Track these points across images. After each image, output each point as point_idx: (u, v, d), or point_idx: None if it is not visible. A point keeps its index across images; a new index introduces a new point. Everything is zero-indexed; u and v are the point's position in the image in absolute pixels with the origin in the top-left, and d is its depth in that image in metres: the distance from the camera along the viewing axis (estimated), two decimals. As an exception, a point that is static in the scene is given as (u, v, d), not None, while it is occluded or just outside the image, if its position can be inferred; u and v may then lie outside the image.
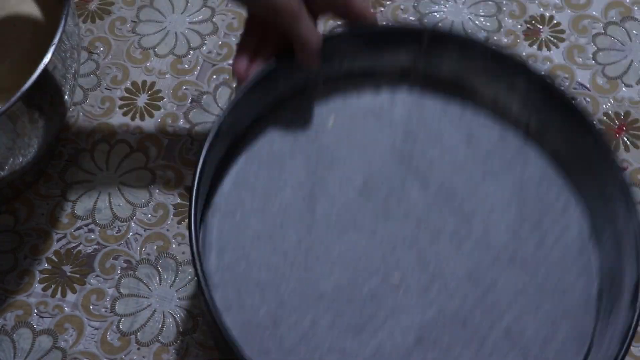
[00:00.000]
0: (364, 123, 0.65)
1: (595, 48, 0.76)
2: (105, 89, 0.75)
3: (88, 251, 0.67)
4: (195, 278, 0.54)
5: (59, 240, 0.68)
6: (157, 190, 0.70)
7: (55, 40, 0.57)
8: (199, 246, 0.53)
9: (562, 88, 0.61)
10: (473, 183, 0.63)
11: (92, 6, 0.79)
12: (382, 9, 0.79)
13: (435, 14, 0.78)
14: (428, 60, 0.65)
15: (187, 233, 0.68)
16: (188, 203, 0.54)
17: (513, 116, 0.66)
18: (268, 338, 0.56)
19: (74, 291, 0.66)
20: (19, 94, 0.54)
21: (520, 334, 0.58)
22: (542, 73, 0.62)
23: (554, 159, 0.64)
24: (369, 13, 0.61)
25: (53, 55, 0.56)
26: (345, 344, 0.57)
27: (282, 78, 0.63)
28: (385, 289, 0.59)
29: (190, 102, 0.74)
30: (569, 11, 0.78)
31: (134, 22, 0.78)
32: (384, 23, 0.65)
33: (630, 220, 0.57)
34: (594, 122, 0.60)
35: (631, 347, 0.63)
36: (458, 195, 0.63)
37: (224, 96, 0.74)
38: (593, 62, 0.76)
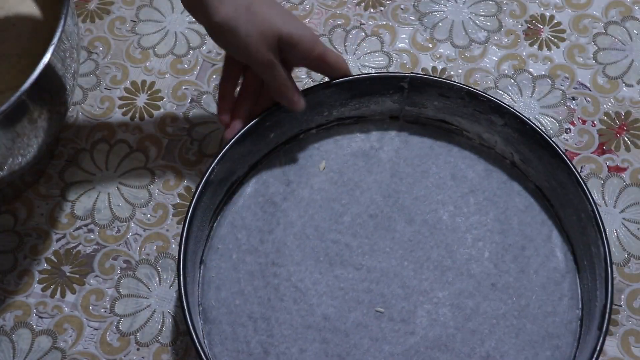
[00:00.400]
0: (353, 164, 0.69)
1: (596, 48, 0.76)
2: (105, 88, 0.75)
3: (87, 251, 0.67)
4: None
5: (58, 240, 0.68)
6: (157, 190, 0.70)
7: (55, 40, 0.57)
8: (191, 311, 0.58)
9: (532, 123, 0.65)
10: (457, 217, 0.67)
11: (92, 6, 0.79)
12: (383, 9, 0.79)
13: (436, 13, 0.78)
14: (413, 103, 0.69)
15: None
16: (177, 261, 0.59)
17: (498, 151, 0.69)
18: None
19: (73, 291, 0.66)
20: (18, 93, 0.54)
21: (500, 358, 0.61)
22: (514, 110, 0.65)
23: (537, 192, 0.68)
24: (342, 66, 0.65)
25: (52, 55, 0.56)
26: None
27: (273, 128, 0.67)
28: (370, 318, 0.63)
29: (190, 102, 0.74)
30: (570, 11, 0.78)
31: (134, 21, 0.78)
32: (365, 74, 0.68)
33: (600, 247, 0.60)
34: (565, 154, 0.63)
35: (631, 348, 0.63)
36: (442, 229, 0.66)
37: (224, 96, 0.74)
38: (593, 61, 0.76)
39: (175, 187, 0.70)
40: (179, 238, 0.68)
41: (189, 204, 0.60)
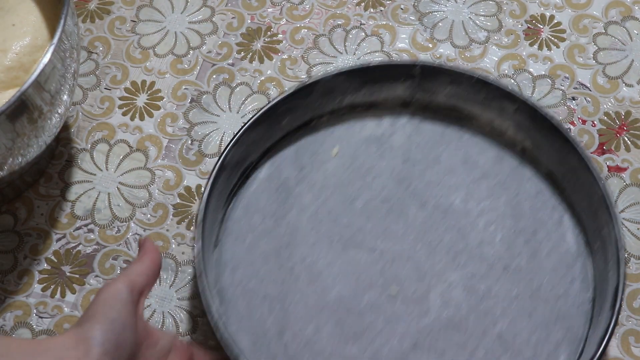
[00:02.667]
0: (366, 150, 0.70)
1: (596, 48, 0.76)
2: (105, 88, 0.75)
3: (87, 251, 0.67)
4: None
5: (58, 240, 0.68)
6: (157, 190, 0.70)
7: (55, 40, 0.57)
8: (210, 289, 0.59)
9: (544, 109, 0.65)
10: (469, 201, 0.67)
11: (92, 6, 0.79)
12: (383, 9, 0.79)
13: (436, 13, 0.78)
14: (424, 90, 0.70)
15: (187, 233, 0.68)
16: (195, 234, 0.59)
17: (509, 138, 0.69)
18: (274, 345, 0.61)
19: (73, 291, 0.66)
20: (18, 93, 0.54)
21: (513, 338, 0.61)
22: (525, 97, 0.66)
23: (548, 177, 0.68)
24: None
25: (52, 55, 0.56)
26: (346, 350, 0.61)
27: (286, 114, 0.68)
28: (384, 299, 0.63)
29: (190, 102, 0.74)
30: (570, 11, 0.78)
31: (134, 21, 0.78)
32: (376, 62, 0.69)
33: (612, 229, 0.60)
34: (576, 139, 0.64)
35: (631, 348, 0.63)
36: (454, 213, 0.67)
37: (224, 96, 0.74)
38: (594, 61, 0.76)
39: (175, 187, 0.70)
40: (179, 238, 0.68)
41: (204, 187, 0.61)
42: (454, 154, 0.69)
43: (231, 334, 0.60)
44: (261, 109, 0.66)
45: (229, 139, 0.65)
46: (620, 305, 0.57)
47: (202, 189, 0.62)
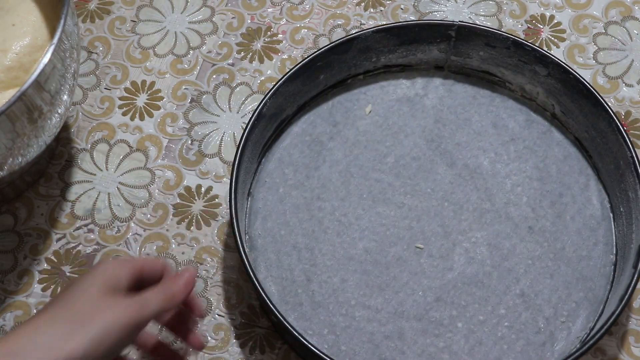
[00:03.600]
0: (398, 110, 0.72)
1: (596, 47, 0.76)
2: (105, 88, 0.75)
3: (87, 251, 0.67)
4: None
5: (58, 240, 0.68)
6: (157, 190, 0.70)
7: (55, 40, 0.57)
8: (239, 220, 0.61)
9: (577, 73, 0.66)
10: (497, 163, 0.69)
11: (92, 6, 0.79)
12: (383, 9, 0.79)
13: (436, 13, 0.78)
14: (458, 54, 0.71)
15: (187, 233, 0.68)
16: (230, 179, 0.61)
17: (539, 102, 0.71)
18: (302, 293, 0.64)
19: (73, 291, 0.66)
20: (18, 94, 0.54)
21: (535, 296, 0.63)
22: (558, 60, 0.67)
23: (577, 142, 0.70)
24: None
25: (52, 55, 0.56)
26: (370, 300, 0.63)
27: (323, 70, 0.69)
28: (410, 254, 0.65)
29: (190, 102, 0.74)
30: (570, 11, 0.78)
31: (134, 21, 0.78)
32: (414, 21, 0.71)
33: (638, 191, 0.61)
34: (607, 104, 0.65)
35: (631, 348, 0.63)
36: (482, 173, 0.68)
37: (224, 96, 0.74)
38: (594, 61, 0.76)
39: (175, 187, 0.70)
40: (179, 238, 0.68)
41: (241, 135, 0.63)
42: (485, 116, 0.71)
43: (260, 281, 0.62)
44: (299, 62, 0.67)
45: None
46: None
47: (239, 137, 0.63)
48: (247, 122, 0.64)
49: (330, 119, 0.71)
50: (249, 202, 0.67)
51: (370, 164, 0.69)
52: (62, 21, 0.57)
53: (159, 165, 0.71)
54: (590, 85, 0.66)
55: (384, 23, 0.70)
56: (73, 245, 0.68)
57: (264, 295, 0.57)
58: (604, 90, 0.74)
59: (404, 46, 0.70)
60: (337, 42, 0.68)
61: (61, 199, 0.69)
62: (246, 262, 0.58)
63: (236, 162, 0.62)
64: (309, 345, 0.56)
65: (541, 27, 0.77)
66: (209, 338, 0.63)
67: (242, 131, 0.64)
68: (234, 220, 0.60)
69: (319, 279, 0.64)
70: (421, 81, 0.73)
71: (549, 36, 0.77)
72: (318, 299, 0.63)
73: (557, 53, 0.76)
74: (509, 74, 0.71)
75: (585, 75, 0.75)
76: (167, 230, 0.68)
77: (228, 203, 0.62)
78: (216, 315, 0.65)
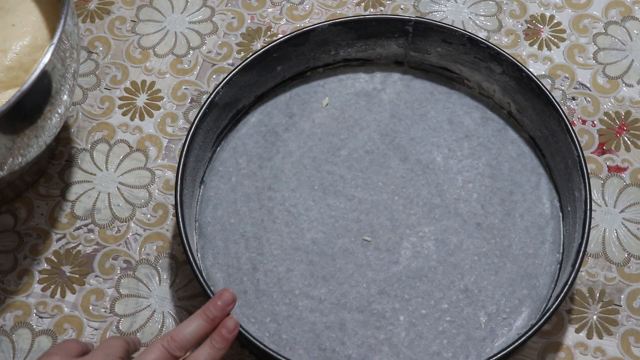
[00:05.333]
0: (355, 103, 0.72)
1: (596, 47, 0.76)
2: (105, 88, 0.75)
3: (87, 251, 0.67)
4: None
5: (58, 240, 0.68)
6: (157, 190, 0.70)
7: (55, 40, 0.57)
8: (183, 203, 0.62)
9: (529, 71, 0.67)
10: (450, 159, 0.69)
11: (92, 6, 0.79)
12: (383, 9, 0.79)
13: (436, 13, 0.78)
14: (417, 50, 0.71)
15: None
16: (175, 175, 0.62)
17: (496, 100, 0.72)
18: (247, 280, 0.64)
19: (73, 291, 0.66)
20: (18, 93, 0.54)
21: (478, 292, 0.64)
22: (512, 58, 0.67)
23: (531, 142, 0.70)
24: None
25: (52, 55, 0.56)
26: (314, 290, 0.64)
27: (280, 61, 0.69)
28: (356, 246, 0.66)
29: (190, 102, 0.74)
30: (570, 11, 0.78)
31: (134, 21, 0.78)
32: (371, 14, 0.71)
33: (583, 190, 0.62)
34: (557, 103, 0.65)
35: (631, 347, 0.63)
36: (434, 169, 0.69)
37: (224, 96, 0.74)
38: (594, 61, 0.76)
39: (175, 187, 0.70)
40: (179, 237, 0.68)
41: (191, 123, 0.64)
42: (441, 112, 0.71)
43: (206, 267, 0.64)
44: (253, 53, 0.67)
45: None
46: (581, 265, 0.59)
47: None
48: (199, 107, 0.65)
49: (287, 110, 0.71)
50: (201, 190, 0.68)
51: (324, 156, 0.69)
52: (62, 21, 0.57)
53: (159, 165, 0.71)
54: (541, 83, 0.66)
55: (342, 16, 0.70)
56: (73, 245, 0.68)
57: (203, 283, 0.58)
58: (604, 90, 0.74)
59: (362, 40, 0.71)
60: (292, 34, 0.68)
61: (61, 199, 0.70)
62: (188, 251, 0.59)
63: (184, 150, 0.63)
64: (246, 334, 0.56)
65: (541, 27, 0.77)
66: None
67: (193, 118, 0.64)
68: (179, 208, 0.61)
69: (264, 268, 0.65)
70: (380, 76, 0.73)
71: (549, 36, 0.77)
72: (262, 287, 0.64)
73: (557, 53, 0.76)
74: (466, 71, 0.71)
75: (585, 75, 0.75)
76: (167, 230, 0.68)
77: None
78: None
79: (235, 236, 0.66)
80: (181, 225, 0.60)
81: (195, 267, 0.59)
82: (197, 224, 0.67)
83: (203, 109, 0.65)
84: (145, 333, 0.64)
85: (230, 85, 0.67)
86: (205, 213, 0.67)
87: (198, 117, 0.64)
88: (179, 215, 0.61)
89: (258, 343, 0.56)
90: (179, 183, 0.62)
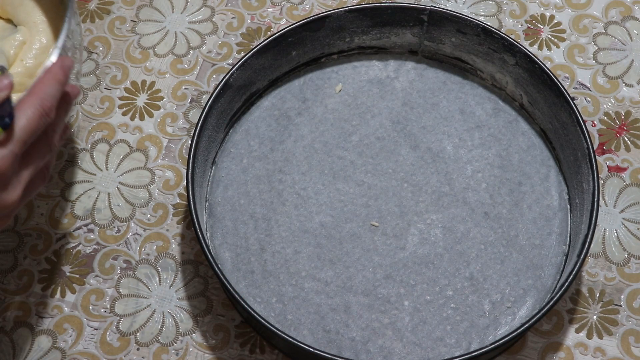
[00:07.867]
0: (368, 90, 0.73)
1: (596, 47, 0.76)
2: (105, 88, 0.75)
3: (87, 251, 0.67)
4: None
5: (58, 240, 0.68)
6: (157, 190, 0.70)
7: (59, 44, 0.56)
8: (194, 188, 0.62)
9: (542, 63, 0.67)
10: (461, 148, 0.70)
11: (92, 6, 0.79)
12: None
13: (436, 13, 0.78)
14: (431, 39, 0.72)
15: (187, 233, 0.68)
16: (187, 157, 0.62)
17: (509, 92, 0.72)
18: (254, 261, 0.65)
19: (73, 291, 0.66)
20: (22, 94, 0.54)
21: (483, 280, 0.64)
22: (525, 49, 0.67)
23: (541, 134, 0.70)
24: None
25: (57, 56, 0.56)
26: (321, 273, 0.65)
27: (295, 46, 0.70)
28: (364, 231, 0.66)
29: (190, 102, 0.74)
30: (570, 11, 0.78)
31: (134, 21, 0.78)
32: (387, 2, 0.71)
33: (591, 182, 0.62)
34: (569, 95, 0.65)
35: (631, 347, 0.63)
36: (444, 158, 0.69)
37: (224, 96, 0.74)
38: (594, 61, 0.76)
39: (175, 187, 0.70)
40: (179, 238, 0.68)
41: (205, 103, 0.65)
42: (453, 102, 0.72)
43: (215, 246, 0.64)
44: (270, 36, 0.68)
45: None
46: (587, 255, 0.59)
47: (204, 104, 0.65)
48: (214, 88, 0.65)
49: (300, 95, 0.72)
50: (212, 171, 0.69)
51: (335, 141, 0.70)
52: (66, 24, 0.56)
53: (159, 165, 0.71)
54: (554, 75, 0.66)
55: (358, 3, 0.70)
56: (73, 245, 0.68)
57: (214, 265, 0.58)
58: (604, 90, 0.74)
59: (378, 28, 0.71)
60: (309, 19, 0.69)
61: (61, 199, 0.69)
62: (197, 229, 0.60)
63: (197, 128, 0.63)
64: (251, 311, 0.57)
65: (541, 27, 0.77)
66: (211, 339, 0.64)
67: (207, 99, 0.65)
68: (190, 185, 0.61)
69: (272, 249, 0.65)
70: (394, 64, 0.74)
71: (549, 36, 0.77)
72: (270, 268, 0.65)
73: (557, 53, 0.76)
74: (479, 62, 0.71)
75: (585, 75, 0.75)
76: (167, 230, 0.68)
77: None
78: (217, 316, 0.65)
79: (245, 217, 0.66)
80: (191, 204, 0.61)
81: (204, 246, 0.59)
82: (207, 204, 0.67)
83: (217, 89, 0.65)
84: (145, 333, 0.64)
85: (245, 67, 0.67)
86: (215, 193, 0.68)
87: (212, 98, 0.64)
88: (190, 193, 0.61)
89: (263, 321, 0.57)
90: (190, 161, 0.62)
